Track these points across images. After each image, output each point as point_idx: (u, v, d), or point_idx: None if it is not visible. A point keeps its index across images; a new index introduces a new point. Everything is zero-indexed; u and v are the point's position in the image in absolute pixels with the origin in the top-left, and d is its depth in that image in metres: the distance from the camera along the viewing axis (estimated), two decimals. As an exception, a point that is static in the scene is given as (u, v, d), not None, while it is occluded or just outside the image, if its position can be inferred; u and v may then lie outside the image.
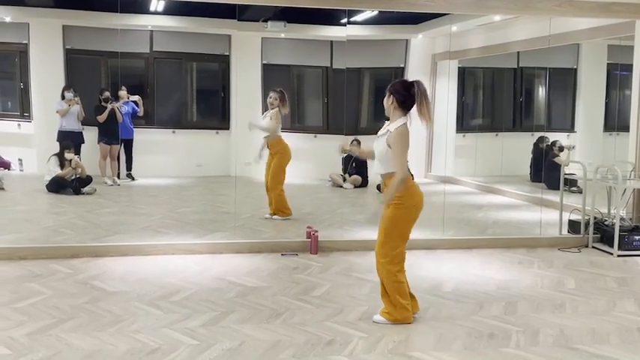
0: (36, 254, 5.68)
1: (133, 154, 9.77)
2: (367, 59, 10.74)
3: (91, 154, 9.29)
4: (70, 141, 9.03)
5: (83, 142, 9.33)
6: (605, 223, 6.82)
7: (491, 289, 5.12)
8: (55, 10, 9.68)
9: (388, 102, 4.17)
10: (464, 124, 11.35)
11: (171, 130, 10.37)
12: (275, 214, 7.62)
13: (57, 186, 8.83)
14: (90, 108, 9.41)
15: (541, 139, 9.90)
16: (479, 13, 7.91)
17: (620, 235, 6.39)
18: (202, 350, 3.70)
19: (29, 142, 9.64)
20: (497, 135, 10.71)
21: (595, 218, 6.82)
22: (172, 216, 7.76)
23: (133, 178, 9.75)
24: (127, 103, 9.69)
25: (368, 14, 9.42)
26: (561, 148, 9.49)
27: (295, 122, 10.55)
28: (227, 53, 10.74)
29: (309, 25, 10.24)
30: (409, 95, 4.07)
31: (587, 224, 6.81)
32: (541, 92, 10.80)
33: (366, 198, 9.81)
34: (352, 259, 5.87)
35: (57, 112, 9.23)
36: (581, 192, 7.35)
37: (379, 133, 4.24)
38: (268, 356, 3.65)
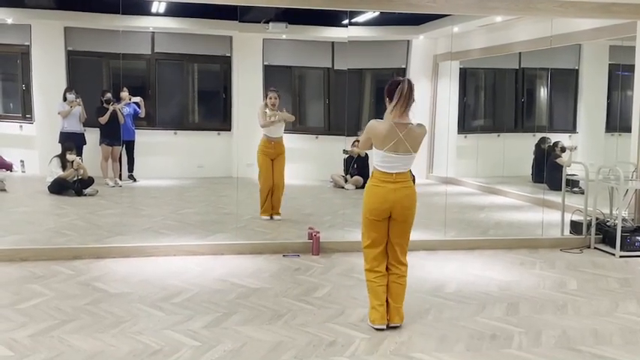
0: (38, 255, 5.69)
1: (134, 156, 9.76)
2: (368, 60, 10.74)
3: (92, 156, 9.28)
4: (71, 142, 9.03)
5: (85, 144, 9.32)
6: (607, 223, 6.82)
7: (493, 290, 5.12)
8: (56, 11, 9.67)
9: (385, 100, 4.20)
10: (465, 125, 11.34)
11: (173, 131, 10.37)
12: (275, 215, 7.63)
13: (59, 187, 8.84)
14: (92, 109, 9.40)
15: (543, 140, 9.89)
16: (480, 14, 7.90)
17: (622, 236, 6.38)
18: (204, 352, 3.70)
19: (31, 144, 9.64)
20: (498, 136, 10.70)
21: (597, 219, 6.82)
22: (174, 217, 7.76)
23: (135, 180, 9.75)
24: (128, 104, 9.69)
25: (369, 15, 9.42)
26: (563, 149, 9.47)
27: (297, 123, 10.54)
28: (228, 54, 10.74)
29: (310, 26, 10.24)
30: (391, 90, 4.03)
31: (589, 225, 6.81)
32: (543, 93, 10.79)
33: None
34: (354, 260, 5.86)
35: (59, 113, 9.22)
36: (583, 193, 7.34)
37: None
38: (270, 357, 3.65)
